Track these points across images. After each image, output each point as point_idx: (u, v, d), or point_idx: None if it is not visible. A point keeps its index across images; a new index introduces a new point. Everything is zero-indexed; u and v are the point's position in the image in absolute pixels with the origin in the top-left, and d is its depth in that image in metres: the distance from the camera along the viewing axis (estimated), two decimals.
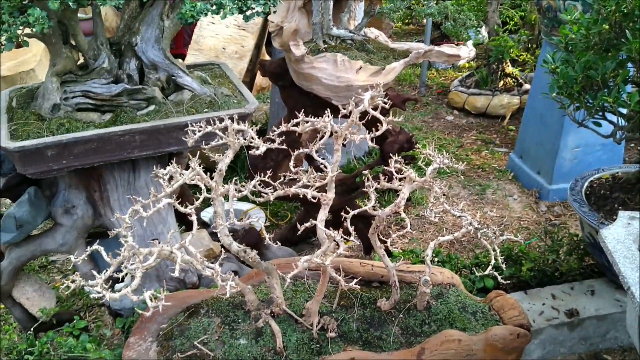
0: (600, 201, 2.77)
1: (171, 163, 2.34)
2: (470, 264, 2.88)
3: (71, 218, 2.47)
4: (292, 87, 2.94)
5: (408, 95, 2.83)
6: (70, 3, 2.05)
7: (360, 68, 2.71)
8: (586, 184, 2.91)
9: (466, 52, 2.82)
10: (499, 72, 5.26)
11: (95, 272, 1.48)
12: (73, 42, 2.34)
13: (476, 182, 4.12)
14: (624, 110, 2.32)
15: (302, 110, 3.11)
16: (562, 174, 3.84)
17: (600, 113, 2.36)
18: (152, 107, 2.37)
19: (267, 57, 4.89)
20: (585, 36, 2.48)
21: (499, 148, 4.67)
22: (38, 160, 2.17)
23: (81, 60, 2.42)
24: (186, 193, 2.90)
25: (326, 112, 1.68)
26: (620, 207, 2.68)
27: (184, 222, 2.70)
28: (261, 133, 4.57)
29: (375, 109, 1.78)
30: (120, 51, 2.40)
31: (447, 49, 2.76)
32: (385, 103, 1.70)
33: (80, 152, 2.21)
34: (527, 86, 5.28)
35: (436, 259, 2.84)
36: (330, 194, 1.67)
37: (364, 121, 1.74)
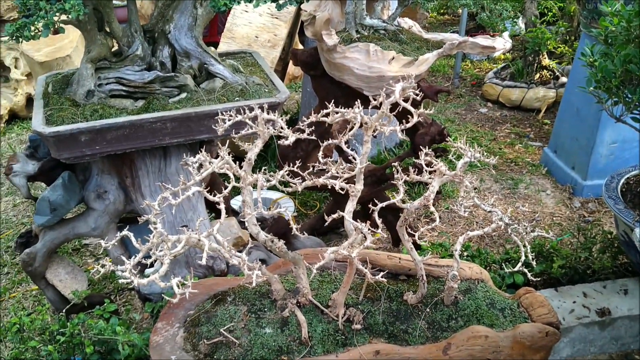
0: (637, 199, 2.70)
1: (201, 151, 2.36)
2: (500, 259, 2.84)
3: (103, 203, 2.50)
4: (323, 77, 2.93)
5: (440, 87, 2.79)
6: None
7: (393, 59, 2.68)
8: (622, 180, 2.84)
9: (501, 43, 2.78)
10: (535, 65, 5.15)
11: (125, 258, 1.50)
12: (108, 29, 2.36)
13: (508, 177, 4.06)
14: None
15: (333, 100, 3.12)
16: (598, 170, 3.76)
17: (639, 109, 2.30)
18: (184, 95, 2.38)
19: (300, 46, 4.88)
20: (626, 29, 2.41)
21: (533, 142, 4.59)
22: (72, 146, 2.20)
23: (115, 47, 2.45)
24: (217, 181, 2.92)
25: (356, 102, 1.65)
26: None
27: (214, 209, 2.72)
28: (292, 122, 4.57)
29: (406, 100, 1.76)
30: (154, 38, 2.42)
31: (481, 40, 2.71)
32: (417, 95, 1.68)
33: (113, 138, 2.23)
34: (563, 79, 5.17)
35: (465, 254, 2.81)
36: (359, 186, 1.66)
37: (395, 112, 1.72)
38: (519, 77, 5.20)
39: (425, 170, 1.71)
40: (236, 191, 3.26)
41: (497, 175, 4.06)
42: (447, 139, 2.92)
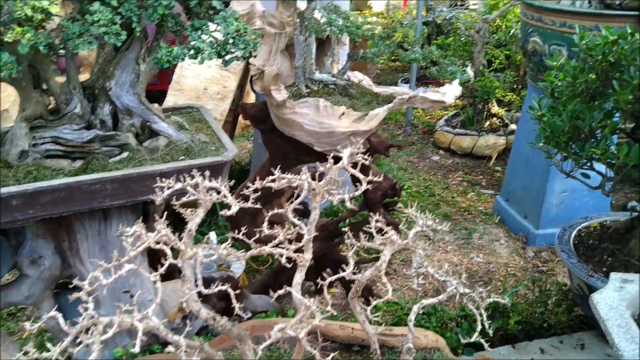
0: (589, 251, 2.69)
1: (145, 213, 2.23)
2: (456, 316, 2.77)
3: (38, 269, 2.34)
4: (273, 132, 2.86)
5: (391, 142, 2.76)
6: (41, 48, 1.96)
7: (343, 114, 2.64)
8: (574, 232, 2.83)
9: (451, 97, 2.77)
10: (485, 113, 5.23)
11: (61, 321, 1.38)
12: (44, 86, 2.25)
13: (462, 226, 4.04)
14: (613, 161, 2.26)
15: (284, 154, 3.05)
16: (549, 219, 3.77)
17: (589, 164, 2.30)
18: (125, 154, 2.27)
19: (252, 95, 4.82)
20: (571, 84, 2.43)
21: (485, 190, 4.61)
22: (2, 210, 2.06)
23: (53, 104, 2.33)
24: None
25: (303, 169, 1.58)
26: (609, 259, 2.61)
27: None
28: (244, 173, 4.48)
29: (354, 166, 1.70)
30: (94, 95, 2.32)
31: (431, 94, 2.70)
32: (366, 160, 1.62)
33: (48, 202, 2.10)
34: (513, 126, 5.25)
35: (422, 311, 2.74)
36: (307, 255, 1.57)
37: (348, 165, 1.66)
38: (469, 124, 5.26)
39: (377, 234, 1.64)
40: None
41: (451, 225, 4.03)
42: (399, 193, 2.88)
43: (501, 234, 3.96)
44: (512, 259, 3.68)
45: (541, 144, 2.36)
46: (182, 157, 2.30)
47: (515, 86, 5.50)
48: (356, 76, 2.98)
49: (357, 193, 1.58)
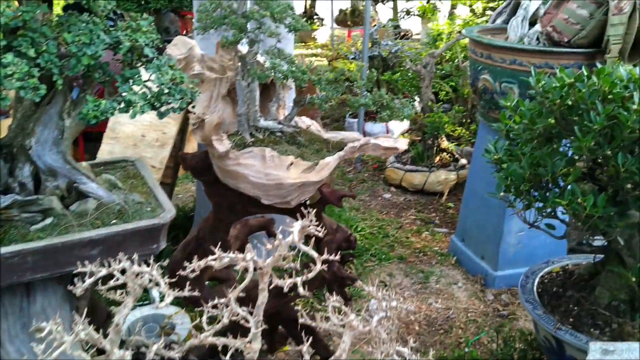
0: (554, 300, 2.57)
1: (73, 284, 1.97)
2: None
3: None
4: (217, 183, 2.66)
5: (344, 192, 2.59)
6: None
7: (292, 164, 2.46)
8: (537, 280, 2.71)
9: (404, 143, 2.63)
10: (435, 148, 5.15)
11: None
12: None
13: (418, 269, 3.90)
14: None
15: (229, 206, 2.84)
16: (507, 259, 3.67)
17: (552, 213, 2.18)
18: (49, 220, 2.03)
19: (194, 141, 4.60)
20: (528, 127, 2.33)
21: (439, 228, 4.50)
22: None
23: None
24: (98, 307, 2.53)
25: (247, 246, 1.39)
26: (575, 308, 2.49)
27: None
28: (189, 220, 4.24)
29: (308, 237, 1.51)
30: (12, 155, 2.07)
31: (383, 141, 2.55)
32: (319, 232, 1.44)
33: None
34: (463, 161, 5.19)
35: None
36: (256, 345, 1.37)
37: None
38: (419, 160, 5.17)
39: (335, 315, 1.45)
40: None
41: (407, 268, 3.89)
42: (354, 245, 2.71)
43: (459, 276, 3.84)
44: (472, 302, 3.55)
45: (502, 194, 2.23)
46: (114, 221, 2.06)
47: (464, 120, 5.46)
48: (304, 121, 2.82)
49: (311, 275, 1.39)
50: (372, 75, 2.61)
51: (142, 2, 5.46)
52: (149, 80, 2.10)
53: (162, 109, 2.12)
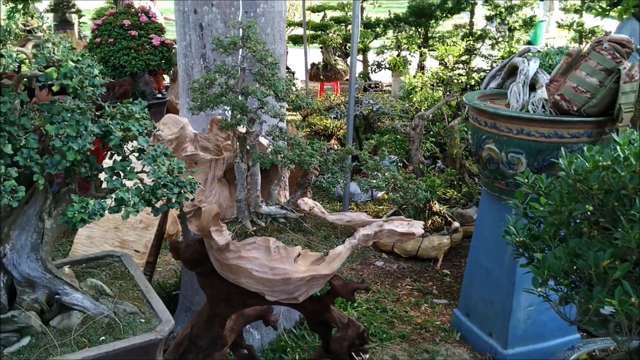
0: None
1: None
2: None
3: None
4: (213, 274, 2.39)
5: (357, 284, 2.34)
6: None
7: (299, 255, 2.21)
8: None
9: (419, 228, 2.41)
10: (427, 212, 4.96)
11: None
12: None
13: (423, 348, 3.63)
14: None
15: (226, 298, 2.56)
16: (517, 336, 3.44)
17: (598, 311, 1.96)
18: (26, 340, 1.73)
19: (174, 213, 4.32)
20: (556, 211, 2.14)
21: (438, 300, 4.25)
22: None
23: None
24: None
25: None
26: None
27: None
28: (172, 300, 3.91)
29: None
30: None
31: (398, 225, 2.33)
32: None
33: None
34: (456, 224, 5.00)
35: None
36: None
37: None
38: None
39: None
40: None
41: (410, 348, 3.62)
42: (367, 340, 2.45)
43: (466, 355, 3.58)
44: None
45: (540, 290, 2.01)
46: (103, 338, 1.78)
47: (456, 182, 5.30)
48: (306, 203, 2.58)
49: None
50: (385, 154, 2.40)
51: (118, 67, 5.24)
52: (142, 171, 1.86)
53: (158, 204, 1.87)
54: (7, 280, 1.77)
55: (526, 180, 2.33)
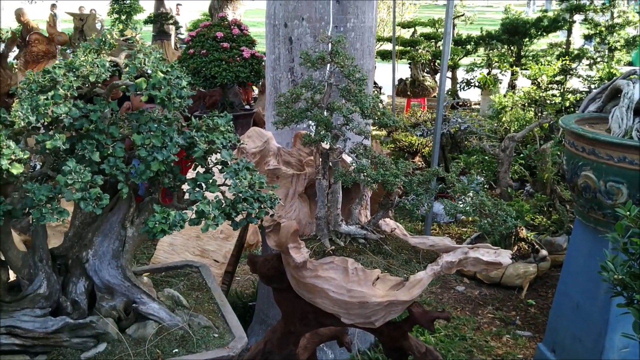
0: None
1: None
2: None
3: None
4: (289, 290, 2.35)
5: (437, 313, 2.23)
6: None
7: (378, 279, 2.13)
8: None
9: (507, 257, 2.28)
10: (513, 237, 4.74)
11: None
12: (2, 258, 1.76)
13: None
14: None
15: (302, 316, 2.51)
16: None
17: None
18: (102, 347, 1.75)
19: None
20: None
21: (521, 331, 4.04)
22: None
23: (13, 277, 1.83)
24: None
25: None
26: None
27: None
28: (248, 312, 3.91)
29: None
30: (67, 268, 1.82)
31: (485, 254, 2.20)
32: None
33: None
34: (544, 252, 4.75)
35: None
36: None
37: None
38: None
39: None
40: None
41: None
42: None
43: None
44: None
45: None
46: (176, 351, 1.77)
47: (545, 208, 5.04)
48: (388, 224, 2.50)
49: None
50: (473, 177, 2.29)
51: (209, 77, 5.36)
52: (224, 184, 1.84)
53: (238, 218, 1.85)
54: (88, 286, 1.80)
55: (628, 212, 2.14)
